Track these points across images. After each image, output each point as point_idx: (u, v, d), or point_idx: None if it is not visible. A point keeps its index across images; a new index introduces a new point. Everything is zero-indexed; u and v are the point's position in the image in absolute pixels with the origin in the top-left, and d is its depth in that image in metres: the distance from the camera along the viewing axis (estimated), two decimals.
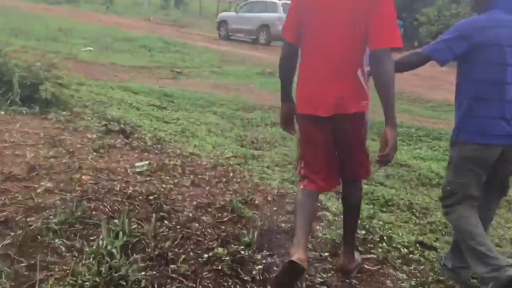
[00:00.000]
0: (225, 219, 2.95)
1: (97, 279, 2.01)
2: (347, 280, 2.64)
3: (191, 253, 2.47)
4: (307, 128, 2.52)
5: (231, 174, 3.91)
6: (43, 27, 14.77)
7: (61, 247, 2.25)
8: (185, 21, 33.27)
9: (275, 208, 3.28)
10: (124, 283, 2.06)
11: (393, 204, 4.06)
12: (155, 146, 4.30)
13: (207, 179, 3.61)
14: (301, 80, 2.54)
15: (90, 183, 2.91)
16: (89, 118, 4.96)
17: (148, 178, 3.28)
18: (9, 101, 4.61)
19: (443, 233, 3.68)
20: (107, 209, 2.68)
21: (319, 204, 3.45)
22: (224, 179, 3.74)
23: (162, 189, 3.13)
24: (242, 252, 2.57)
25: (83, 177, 2.96)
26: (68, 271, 2.04)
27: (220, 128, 6.03)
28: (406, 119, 7.76)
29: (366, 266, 2.82)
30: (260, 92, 9.08)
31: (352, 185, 2.62)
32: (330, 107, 2.38)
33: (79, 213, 2.53)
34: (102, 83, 7.66)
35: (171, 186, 3.24)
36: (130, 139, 4.32)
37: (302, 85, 2.53)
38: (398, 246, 3.16)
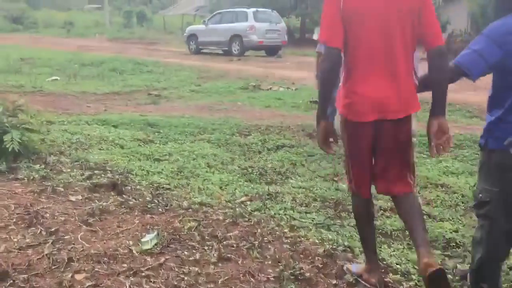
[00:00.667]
0: None
1: None
2: None
3: None
4: (356, 135, 2.43)
5: (258, 230, 3.12)
6: (3, 58, 13.73)
7: None
8: (151, 37, 32.34)
9: (334, 282, 2.50)
10: None
11: (457, 245, 3.33)
12: (156, 201, 3.48)
13: (234, 245, 2.81)
14: (349, 88, 2.41)
15: (88, 286, 2.08)
16: (69, 170, 4.11)
17: (162, 259, 2.46)
18: None
19: None
20: None
21: None
22: (253, 239, 2.95)
23: (184, 276, 2.32)
24: None
25: (76, 276, 2.13)
26: None
27: (219, 160, 5.23)
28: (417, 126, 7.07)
29: None
30: (250, 109, 8.30)
31: (404, 199, 2.48)
32: (388, 111, 2.35)
33: None
34: (76, 118, 6.78)
35: (195, 267, 2.42)
36: (124, 195, 3.48)
37: (352, 93, 2.39)
38: None
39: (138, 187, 3.82)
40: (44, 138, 5.24)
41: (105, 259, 2.37)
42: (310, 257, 2.80)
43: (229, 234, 2.99)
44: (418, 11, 2.28)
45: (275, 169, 5.02)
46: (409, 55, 2.38)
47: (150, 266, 2.39)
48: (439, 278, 2.20)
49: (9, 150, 4.06)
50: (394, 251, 3.08)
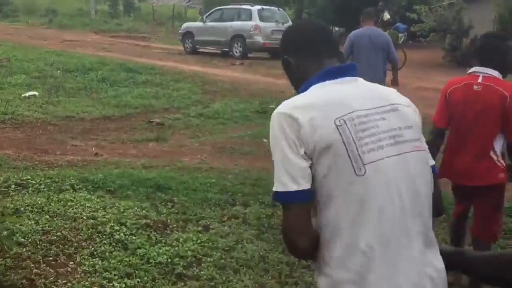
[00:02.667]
0: None
1: None
2: None
3: None
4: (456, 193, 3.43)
5: None
6: None
7: None
8: (140, 30, 30.22)
9: None
10: None
11: None
12: None
13: None
14: (448, 154, 3.25)
15: None
16: None
17: None
18: None
19: None
20: None
21: None
22: None
23: None
24: None
25: None
26: None
27: (275, 267, 3.52)
28: None
29: None
30: None
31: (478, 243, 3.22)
32: (472, 178, 3.11)
33: None
34: (57, 175, 4.95)
35: None
36: None
37: (449, 161, 3.21)
38: None
39: None
40: (14, 230, 3.48)
41: None
42: None
43: None
44: (502, 112, 3.01)
45: None
46: (489, 139, 3.10)
47: None
48: None
49: None
50: None
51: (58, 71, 11.81)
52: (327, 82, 1.47)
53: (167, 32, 31.50)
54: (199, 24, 18.58)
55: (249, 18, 16.86)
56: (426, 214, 1.40)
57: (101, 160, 5.74)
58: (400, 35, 15.00)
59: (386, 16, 14.08)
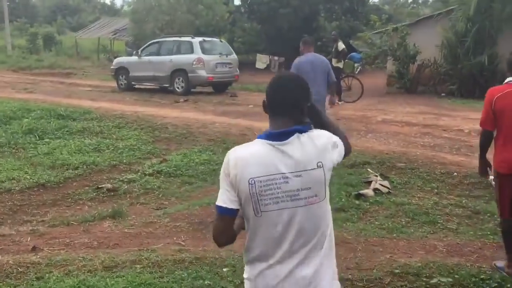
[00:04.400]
0: None
1: None
2: None
3: None
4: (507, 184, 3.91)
5: None
6: None
7: None
8: (64, 65, 27.96)
9: None
10: None
11: None
12: None
13: None
14: (500, 149, 3.95)
15: None
16: None
17: None
18: None
19: None
20: None
21: None
22: None
23: None
24: None
25: None
26: None
27: None
28: None
29: None
30: None
31: None
32: None
33: None
34: None
35: None
36: None
37: (503, 153, 3.91)
38: None
39: None
40: None
41: None
42: None
43: None
44: None
45: None
46: None
47: None
48: None
49: None
50: None
51: None
52: (267, 141, 1.99)
53: (93, 66, 29.48)
54: (133, 58, 16.96)
55: (191, 50, 15.50)
56: (311, 242, 2.01)
57: (42, 260, 4.11)
58: (356, 65, 14.26)
59: (341, 46, 13.25)
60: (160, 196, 6.08)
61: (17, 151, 8.10)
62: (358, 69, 14.87)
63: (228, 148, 7.34)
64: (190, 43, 15.61)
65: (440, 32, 15.98)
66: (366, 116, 11.48)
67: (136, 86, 17.20)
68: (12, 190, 6.14)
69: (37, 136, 8.98)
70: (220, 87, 16.42)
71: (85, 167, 7.23)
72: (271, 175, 1.95)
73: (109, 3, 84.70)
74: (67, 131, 9.52)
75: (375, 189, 6.08)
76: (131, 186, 6.41)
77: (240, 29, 29.46)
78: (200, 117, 11.43)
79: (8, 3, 38.03)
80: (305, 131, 2.02)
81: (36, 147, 8.33)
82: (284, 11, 27.91)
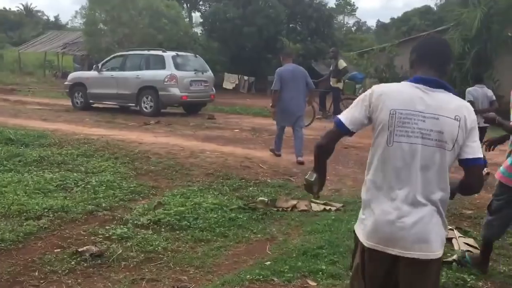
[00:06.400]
0: None
1: None
2: None
3: None
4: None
5: None
6: None
7: None
8: (6, 81, 25.17)
9: None
10: None
11: None
12: None
13: None
14: None
15: None
16: None
17: None
18: None
19: None
20: None
21: None
22: None
23: None
24: None
25: None
26: None
27: None
28: None
29: None
30: None
31: None
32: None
33: None
34: None
35: None
36: None
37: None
38: None
39: None
40: None
41: None
42: None
43: None
44: None
45: None
46: None
47: None
48: None
49: None
50: None
51: None
52: (415, 84, 2.21)
53: (39, 82, 26.79)
54: (92, 73, 14.85)
55: (162, 66, 13.61)
56: (415, 180, 2.16)
57: None
58: (357, 86, 12.80)
59: (342, 64, 11.69)
60: (171, 265, 4.16)
61: None
62: (360, 91, 13.41)
63: (234, 185, 5.57)
64: (162, 58, 13.74)
65: None
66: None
67: (94, 105, 15.08)
68: None
69: None
70: (193, 108, 14.60)
71: (51, 215, 5.19)
72: (411, 110, 2.16)
73: (53, 19, 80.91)
74: (19, 161, 7.37)
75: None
76: (123, 247, 4.44)
77: (200, 47, 27.75)
78: (182, 143, 9.55)
79: None
80: (451, 92, 2.23)
81: None
82: (249, 29, 26.50)
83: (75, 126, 11.37)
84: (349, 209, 5.82)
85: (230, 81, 23.26)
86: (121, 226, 4.97)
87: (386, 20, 68.48)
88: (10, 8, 79.74)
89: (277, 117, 8.46)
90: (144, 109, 13.77)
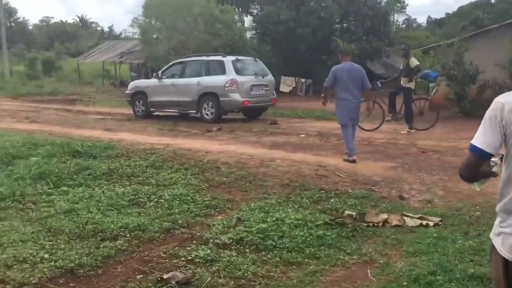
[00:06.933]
0: None
1: None
2: None
3: None
4: None
5: None
6: None
7: None
8: (66, 91, 25.79)
9: None
10: None
11: None
12: None
13: None
14: None
15: None
16: None
17: None
18: None
19: None
20: None
21: None
22: None
23: None
24: None
25: None
26: None
27: None
28: None
29: None
30: None
31: None
32: None
33: None
34: None
35: None
36: None
37: None
38: None
39: None
40: None
41: None
42: None
43: None
44: None
45: None
46: None
47: None
48: None
49: None
50: None
51: None
52: None
53: (98, 92, 27.29)
54: (153, 82, 14.79)
55: (222, 71, 13.35)
56: None
57: None
58: (431, 85, 12.03)
59: (414, 62, 10.95)
60: None
61: (25, 207, 5.75)
62: (434, 91, 12.59)
63: (314, 197, 5.08)
64: (222, 63, 13.46)
65: (508, 48, 13.92)
66: (457, 148, 9.24)
67: (155, 113, 15.01)
68: (25, 286, 3.78)
69: (50, 183, 6.64)
70: (253, 113, 14.24)
71: (128, 234, 4.90)
72: None
73: (107, 29, 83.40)
74: (89, 174, 7.19)
75: None
76: (210, 272, 4.05)
77: (253, 51, 27.39)
78: (249, 151, 9.16)
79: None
80: None
81: (51, 200, 5.99)
82: (302, 31, 25.97)
83: (139, 135, 11.22)
84: (449, 224, 5.21)
85: (287, 84, 22.81)
86: (203, 247, 4.60)
87: (437, 16, 66.05)
88: (66, 21, 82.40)
89: (337, 115, 8.43)
90: (205, 115, 13.53)
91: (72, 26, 78.41)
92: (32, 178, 6.79)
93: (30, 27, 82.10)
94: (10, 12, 72.14)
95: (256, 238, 4.78)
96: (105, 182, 6.88)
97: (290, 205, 5.90)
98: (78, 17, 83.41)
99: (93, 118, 15.15)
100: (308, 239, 4.79)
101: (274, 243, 4.69)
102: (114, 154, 8.54)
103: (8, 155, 8.03)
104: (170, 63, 15.09)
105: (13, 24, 73.64)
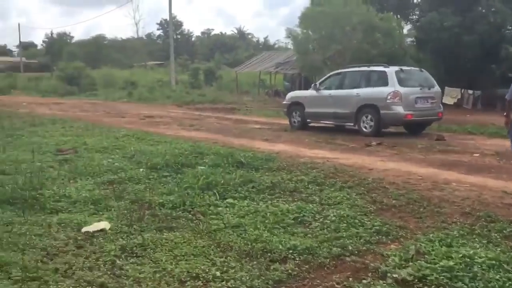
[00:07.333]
0: None
1: None
2: None
3: None
4: None
5: None
6: (27, 152, 8.29)
7: None
8: (225, 100, 27.07)
9: None
10: None
11: None
12: None
13: None
14: None
15: None
16: None
17: None
18: None
19: None
20: None
21: None
22: None
23: None
24: None
25: None
26: None
27: None
28: None
29: None
30: None
31: None
32: None
33: None
34: None
35: None
36: None
37: None
38: None
39: None
40: None
41: None
42: None
43: None
44: None
45: None
46: None
47: None
48: None
49: None
50: None
51: (141, 170, 8.06)
52: None
53: (254, 101, 28.20)
54: (311, 92, 14.68)
55: (384, 82, 12.71)
56: None
57: None
58: None
59: None
60: None
61: (194, 218, 5.84)
62: None
63: (504, 231, 4.27)
64: (384, 73, 12.82)
65: None
66: None
67: (310, 124, 14.86)
68: None
69: (217, 194, 6.72)
70: (416, 128, 13.30)
71: (297, 257, 4.64)
72: None
73: (262, 40, 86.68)
74: (253, 187, 7.15)
75: None
76: None
77: (411, 60, 25.92)
78: (416, 170, 8.42)
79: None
80: None
81: (219, 212, 6.01)
82: (469, 38, 23.91)
83: (296, 147, 11.11)
84: None
85: (451, 96, 21.18)
86: (381, 282, 4.13)
87: None
88: (225, 32, 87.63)
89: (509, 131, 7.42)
90: (364, 128, 12.99)
91: (231, 37, 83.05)
92: (200, 188, 6.94)
93: (193, 39, 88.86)
94: (177, 25, 78.74)
95: (441, 277, 4.17)
96: (268, 197, 6.77)
97: (476, 239, 5.14)
98: (236, 28, 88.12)
99: (251, 128, 15.52)
100: (507, 285, 4.05)
101: (465, 286, 4.04)
102: (275, 167, 8.45)
103: (177, 163, 8.39)
104: (328, 74, 14.85)
105: (179, 36, 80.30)
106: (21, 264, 4.06)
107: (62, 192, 6.58)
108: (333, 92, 13.84)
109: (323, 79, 14.73)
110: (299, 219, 5.84)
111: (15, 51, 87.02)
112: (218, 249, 4.87)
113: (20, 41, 70.99)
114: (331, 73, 14.86)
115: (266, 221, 5.63)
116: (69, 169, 8.07)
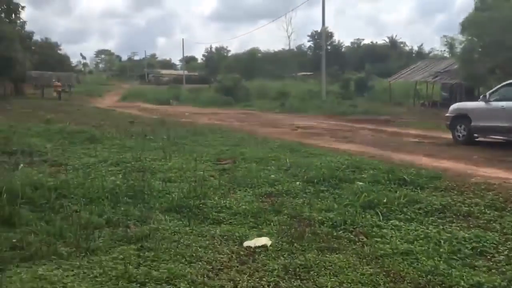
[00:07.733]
0: None
1: None
2: None
3: None
4: None
5: None
6: (187, 162, 8.66)
7: None
8: (378, 111, 26.10)
9: None
10: None
11: None
12: None
13: None
14: None
15: None
16: None
17: None
18: None
19: None
20: None
21: None
22: None
23: None
24: None
25: None
26: None
27: None
28: None
29: None
30: None
31: None
32: None
33: None
34: None
35: None
36: None
37: None
38: None
39: None
40: None
41: None
42: None
43: None
44: None
45: None
46: None
47: None
48: None
49: None
50: None
51: (298, 183, 7.88)
52: None
53: (408, 113, 26.75)
54: (479, 104, 13.32)
55: None
56: None
57: None
58: None
59: None
60: None
61: (357, 239, 5.43)
62: None
63: None
64: None
65: None
66: None
67: (478, 139, 13.47)
68: None
69: (380, 214, 6.23)
70: None
71: None
72: None
73: (416, 48, 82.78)
74: (419, 208, 6.51)
75: None
76: None
77: None
78: None
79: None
80: None
81: (383, 235, 5.52)
82: None
83: (464, 165, 10.06)
84: None
85: None
86: None
87: None
88: (376, 42, 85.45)
89: None
90: None
91: (382, 47, 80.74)
92: (360, 206, 6.52)
93: (343, 49, 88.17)
94: (327, 36, 78.86)
95: None
96: (439, 220, 6.08)
97: None
98: (388, 37, 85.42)
99: (409, 141, 14.60)
100: None
101: None
102: (443, 187, 7.65)
103: (334, 176, 8.06)
104: (501, 84, 13.31)
105: (329, 47, 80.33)
106: (189, 278, 4.06)
107: (223, 203, 6.65)
108: (506, 103, 12.36)
109: (494, 89, 13.25)
110: (478, 250, 5.11)
111: (178, 64, 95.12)
112: (388, 278, 4.40)
113: (183, 55, 77.15)
114: (505, 82, 13.30)
115: (441, 250, 5.01)
116: (228, 179, 8.20)
